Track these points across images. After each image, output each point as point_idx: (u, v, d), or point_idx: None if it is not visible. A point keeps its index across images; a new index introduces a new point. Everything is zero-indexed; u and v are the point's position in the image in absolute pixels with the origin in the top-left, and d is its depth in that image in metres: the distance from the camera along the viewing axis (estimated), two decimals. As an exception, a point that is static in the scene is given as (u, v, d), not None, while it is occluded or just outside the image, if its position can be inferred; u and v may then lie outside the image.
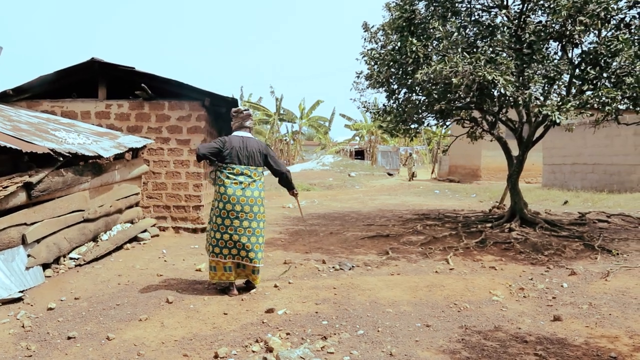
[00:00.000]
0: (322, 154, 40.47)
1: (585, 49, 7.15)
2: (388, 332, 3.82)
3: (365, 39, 8.67)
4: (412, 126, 8.51)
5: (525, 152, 8.52)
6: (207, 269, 5.65)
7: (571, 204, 13.02)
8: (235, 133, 4.96)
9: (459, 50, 6.09)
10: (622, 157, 15.12)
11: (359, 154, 41.75)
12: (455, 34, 6.12)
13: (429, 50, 6.25)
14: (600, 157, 16.03)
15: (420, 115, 7.84)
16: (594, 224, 8.57)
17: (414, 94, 8.03)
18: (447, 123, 9.46)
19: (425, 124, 8.98)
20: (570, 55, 7.42)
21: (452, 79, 5.75)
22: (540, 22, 7.12)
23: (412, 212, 11.60)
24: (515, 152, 9.17)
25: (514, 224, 8.20)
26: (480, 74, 5.86)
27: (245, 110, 5.08)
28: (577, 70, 6.80)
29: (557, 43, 7.33)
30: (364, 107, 9.19)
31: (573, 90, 7.20)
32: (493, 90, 6.09)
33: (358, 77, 8.24)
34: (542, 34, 6.51)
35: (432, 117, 8.52)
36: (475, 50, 6.33)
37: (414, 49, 6.12)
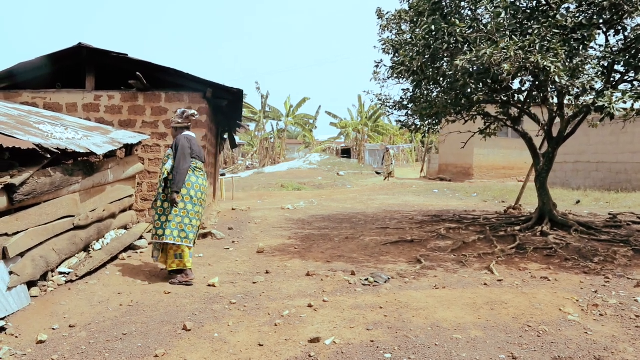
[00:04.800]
0: (308, 153, 39.72)
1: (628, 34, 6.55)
2: (473, 370, 3.07)
3: (380, 26, 7.95)
4: (438, 120, 7.77)
5: (555, 148, 7.89)
6: (185, 269, 5.18)
7: (583, 203, 12.50)
8: (189, 133, 5.35)
9: (507, 33, 5.38)
10: (628, 155, 14.68)
11: (346, 153, 41.08)
12: (503, 14, 5.40)
13: (475, 33, 5.51)
14: (605, 155, 15.58)
15: (447, 109, 7.11)
16: (628, 226, 7.97)
17: (437, 85, 7.32)
18: (466, 118, 8.73)
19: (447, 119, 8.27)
20: (609, 41, 6.80)
21: (504, 65, 5.02)
22: (581, 5, 6.47)
23: (421, 213, 10.91)
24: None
25: (545, 227, 7.55)
26: (532, 59, 5.15)
27: (194, 113, 5.47)
28: (628, 57, 6.14)
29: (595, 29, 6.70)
30: (379, 100, 8.45)
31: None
32: (545, 78, 5.37)
33: (377, 66, 7.48)
34: (592, 18, 5.83)
35: (456, 111, 7.82)
36: (524, 34, 5.62)
37: (457, 31, 5.38)
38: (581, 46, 5.80)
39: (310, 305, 4.28)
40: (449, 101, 6.99)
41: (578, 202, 12.45)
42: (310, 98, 41.11)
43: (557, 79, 5.25)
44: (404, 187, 20.89)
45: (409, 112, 8.29)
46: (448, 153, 27.27)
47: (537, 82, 6.08)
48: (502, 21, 5.40)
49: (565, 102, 7.44)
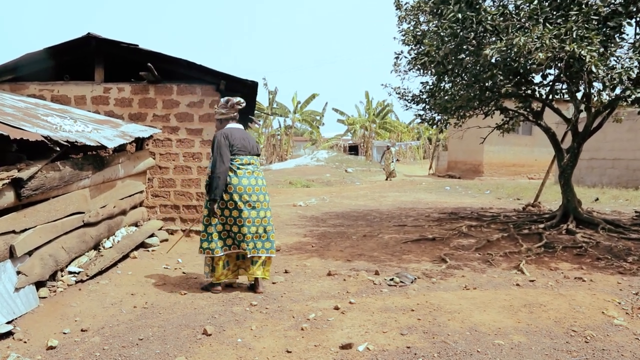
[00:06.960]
0: (314, 150, 39.42)
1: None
2: (524, 381, 2.80)
3: (398, 18, 7.68)
4: (462, 114, 7.49)
5: (581, 143, 7.59)
6: (209, 273, 4.63)
7: (601, 201, 12.18)
8: (231, 125, 4.68)
9: (540, 21, 5.08)
10: (647, 152, 14.34)
11: (353, 149, 40.80)
12: (535, 1, 5.11)
13: (505, 21, 5.21)
14: (621, 151, 15.23)
15: (471, 102, 6.82)
16: (656, 224, 7.67)
17: (460, 78, 7.03)
18: (486, 112, 8.42)
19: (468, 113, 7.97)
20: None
21: (539, 54, 4.73)
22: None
23: (436, 211, 10.63)
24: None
25: (570, 224, 7.26)
26: (567, 48, 4.86)
27: (240, 100, 4.75)
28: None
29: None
30: (397, 93, 8.16)
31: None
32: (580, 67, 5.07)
33: (398, 58, 7.20)
34: (628, 5, 5.53)
35: (477, 105, 7.53)
36: (557, 21, 5.32)
37: (489, 18, 5.09)
38: (616, 35, 5.50)
39: (336, 308, 4.02)
40: (472, 94, 6.71)
41: (596, 199, 12.14)
42: (319, 94, 40.79)
43: (593, 69, 4.96)
44: (414, 185, 20.58)
45: (428, 107, 8.01)
46: (457, 150, 26.92)
47: (567, 73, 5.77)
48: (535, 8, 5.11)
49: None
